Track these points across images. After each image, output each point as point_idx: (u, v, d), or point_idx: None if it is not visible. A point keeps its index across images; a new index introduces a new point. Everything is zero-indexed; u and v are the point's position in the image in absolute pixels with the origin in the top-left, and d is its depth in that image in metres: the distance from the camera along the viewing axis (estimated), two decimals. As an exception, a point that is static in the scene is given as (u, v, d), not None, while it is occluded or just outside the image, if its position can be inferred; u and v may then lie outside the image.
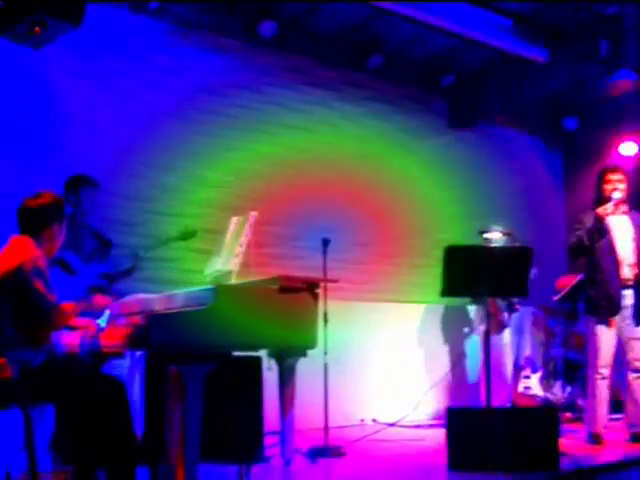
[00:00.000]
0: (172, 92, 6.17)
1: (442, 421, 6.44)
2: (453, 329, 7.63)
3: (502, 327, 6.74)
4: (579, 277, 7.12)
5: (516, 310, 6.92)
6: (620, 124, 8.59)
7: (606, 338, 5.24)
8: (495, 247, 5.60)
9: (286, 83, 6.89)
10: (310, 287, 3.72)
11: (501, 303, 6.72)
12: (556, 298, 7.36)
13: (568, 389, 7.42)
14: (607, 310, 5.22)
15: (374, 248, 7.29)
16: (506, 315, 6.68)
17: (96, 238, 5.12)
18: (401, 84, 7.72)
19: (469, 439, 4.40)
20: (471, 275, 4.74)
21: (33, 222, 3.62)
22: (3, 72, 5.43)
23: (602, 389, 5.30)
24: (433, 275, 7.32)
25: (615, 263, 5.26)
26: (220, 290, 3.29)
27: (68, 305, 3.62)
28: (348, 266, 6.73)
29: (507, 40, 7.06)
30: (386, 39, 7.19)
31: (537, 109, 8.75)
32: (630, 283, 5.28)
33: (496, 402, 6.85)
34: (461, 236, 6.99)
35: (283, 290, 3.54)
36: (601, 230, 5.22)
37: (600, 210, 5.19)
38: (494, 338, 6.69)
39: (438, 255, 7.14)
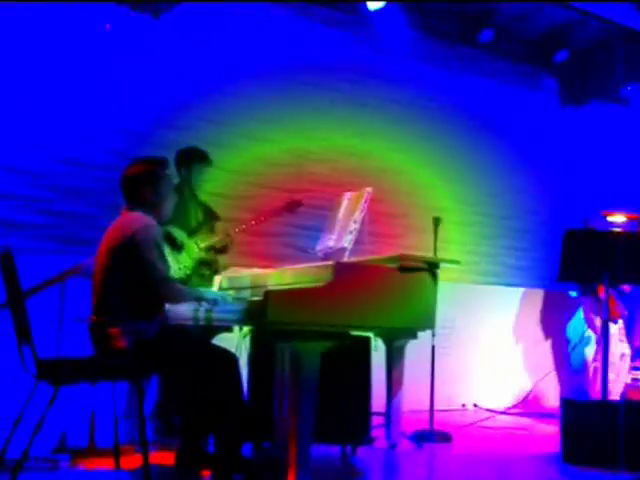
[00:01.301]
0: (281, 67, 6.09)
1: (545, 411, 6.33)
2: (556, 315, 7.33)
3: (618, 316, 6.43)
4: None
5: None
6: None
7: None
8: (618, 232, 5.30)
9: (396, 57, 6.70)
10: (431, 267, 3.57)
11: (613, 291, 6.41)
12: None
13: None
14: None
15: (477, 229, 7.07)
16: (621, 304, 6.36)
17: (203, 212, 5.08)
18: (512, 59, 7.43)
19: (586, 432, 4.19)
20: (591, 260, 4.50)
21: (133, 192, 3.53)
22: (125, 39, 5.45)
23: None
24: (539, 259, 7.17)
25: None
26: (340, 267, 3.18)
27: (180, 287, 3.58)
28: (451, 247, 6.55)
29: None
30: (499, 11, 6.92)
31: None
32: None
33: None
34: (570, 218, 6.69)
35: (404, 270, 3.40)
36: None
37: None
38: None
39: (541, 238, 7.04)
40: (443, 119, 6.92)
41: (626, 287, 6.56)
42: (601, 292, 6.56)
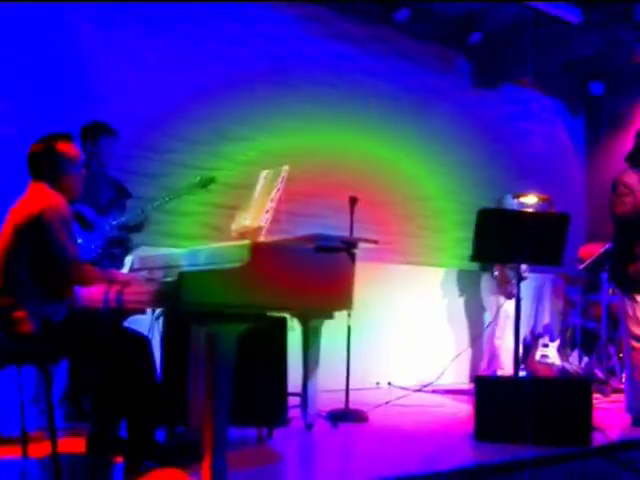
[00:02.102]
0: (199, 42, 5.94)
1: (458, 388, 6.45)
2: (474, 295, 7.46)
3: (509, 297, 6.57)
4: (605, 247, 6.99)
5: (524, 279, 6.72)
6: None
7: None
8: (531, 212, 5.41)
9: (309, 36, 6.63)
10: (348, 247, 3.54)
11: (509, 272, 6.55)
12: (581, 267, 7.22)
13: (585, 359, 7.32)
14: None
15: (395, 209, 7.10)
16: (514, 285, 6.46)
17: (114, 188, 4.92)
18: (426, 41, 7.46)
19: (497, 409, 4.28)
20: (504, 240, 4.58)
21: (43, 167, 3.42)
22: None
23: None
24: (455, 239, 7.27)
25: None
26: (256, 247, 3.11)
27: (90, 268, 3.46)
28: (367, 227, 6.55)
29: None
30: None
31: (563, 72, 8.48)
32: None
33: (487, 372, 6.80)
34: (485, 199, 6.78)
35: (321, 249, 3.36)
36: None
37: None
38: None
39: (460, 219, 7.12)
40: (361, 99, 6.90)
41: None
42: (497, 270, 6.73)
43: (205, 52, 5.99)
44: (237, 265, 3.06)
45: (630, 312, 4.91)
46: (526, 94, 8.42)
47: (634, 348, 4.89)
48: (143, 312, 3.98)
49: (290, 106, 6.37)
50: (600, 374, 6.95)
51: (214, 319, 3.04)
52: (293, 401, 4.53)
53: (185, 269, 3.46)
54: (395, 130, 7.12)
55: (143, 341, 3.40)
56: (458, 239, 7.16)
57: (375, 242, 4.04)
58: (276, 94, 6.31)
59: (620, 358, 7.12)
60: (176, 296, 2.96)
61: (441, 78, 7.67)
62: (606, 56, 7.90)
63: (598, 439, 4.22)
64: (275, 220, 3.87)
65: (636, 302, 4.88)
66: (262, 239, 3.69)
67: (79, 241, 3.97)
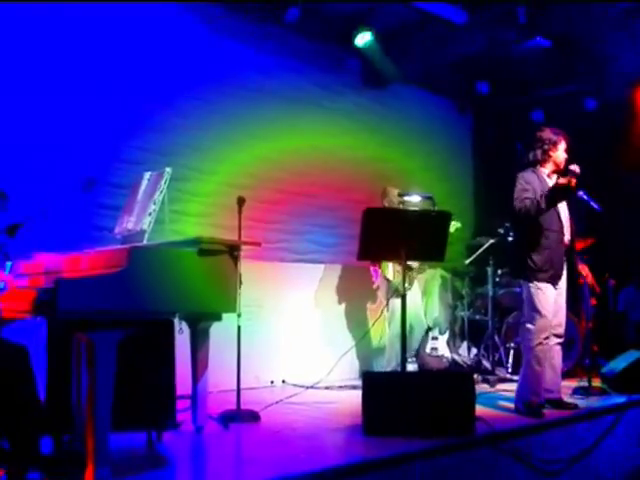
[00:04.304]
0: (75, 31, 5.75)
1: (351, 383, 6.54)
2: (367, 291, 7.54)
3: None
4: (490, 241, 7.26)
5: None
6: (531, 89, 8.71)
7: (553, 299, 5.11)
8: (414, 211, 5.53)
9: (200, 34, 6.56)
10: (231, 250, 3.54)
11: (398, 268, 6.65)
12: (467, 261, 7.46)
13: (474, 350, 7.57)
14: (551, 275, 5.07)
15: (284, 207, 7.12)
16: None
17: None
18: (317, 40, 7.51)
19: (385, 404, 4.36)
20: (389, 239, 4.66)
21: None
22: None
23: (557, 353, 5.24)
24: (345, 236, 7.35)
25: (561, 229, 5.15)
26: (135, 252, 3.07)
27: None
28: (258, 225, 6.57)
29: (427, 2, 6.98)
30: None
31: (451, 71, 8.72)
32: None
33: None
34: (374, 197, 6.89)
35: (203, 253, 3.35)
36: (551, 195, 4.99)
37: (563, 181, 4.97)
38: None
39: (350, 216, 7.19)
40: (249, 98, 6.88)
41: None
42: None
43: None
44: (116, 270, 3.02)
45: (534, 301, 5.07)
46: (415, 93, 8.61)
47: (534, 337, 5.06)
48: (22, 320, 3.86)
49: (178, 103, 6.29)
50: (487, 365, 7.20)
51: (93, 326, 2.99)
52: (185, 404, 4.49)
53: (63, 276, 3.38)
54: (286, 128, 7.13)
55: (21, 352, 3.30)
56: (348, 236, 7.24)
57: (258, 244, 4.04)
58: (164, 91, 6.21)
59: (507, 349, 7.40)
60: (53, 304, 2.89)
61: (333, 77, 7.74)
62: (491, 56, 8.17)
63: (482, 429, 4.36)
64: (160, 220, 3.84)
65: (540, 290, 5.06)
66: (145, 242, 3.65)
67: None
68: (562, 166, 5.19)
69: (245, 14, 6.81)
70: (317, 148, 7.37)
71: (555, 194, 4.98)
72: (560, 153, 5.23)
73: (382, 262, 6.70)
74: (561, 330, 5.24)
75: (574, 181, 4.98)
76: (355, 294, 7.53)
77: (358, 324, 7.43)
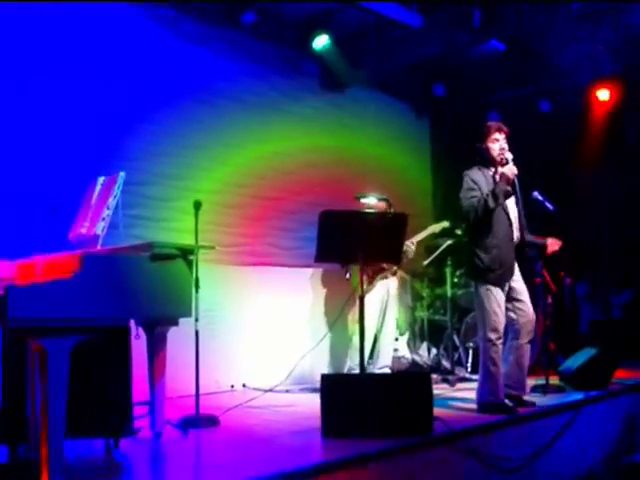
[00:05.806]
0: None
1: (312, 386, 6.53)
2: (327, 293, 7.56)
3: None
4: (448, 242, 7.34)
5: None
6: (487, 92, 8.82)
7: (503, 299, 5.10)
8: (371, 213, 5.57)
9: (157, 37, 6.53)
10: (184, 254, 3.53)
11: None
12: (425, 262, 7.52)
13: (433, 351, 7.62)
14: (501, 275, 5.06)
15: (244, 210, 7.11)
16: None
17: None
18: (275, 43, 7.52)
19: (344, 405, 4.37)
20: (346, 241, 4.69)
21: None
22: None
23: (526, 351, 5.23)
24: (304, 239, 7.35)
25: (510, 227, 5.12)
26: (87, 258, 3.05)
27: None
28: (218, 229, 6.56)
29: (382, 4, 7.02)
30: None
31: (408, 74, 8.79)
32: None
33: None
34: (333, 199, 6.91)
35: (156, 257, 3.33)
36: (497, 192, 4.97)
37: (507, 171, 4.97)
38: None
39: (309, 219, 7.21)
40: (208, 102, 6.87)
41: None
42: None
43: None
44: (68, 277, 2.99)
45: (484, 302, 5.07)
46: (372, 96, 8.65)
47: (487, 338, 5.07)
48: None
49: (136, 107, 6.25)
50: (447, 365, 7.27)
51: (44, 333, 2.96)
52: (142, 410, 4.46)
53: (16, 282, 3.34)
54: (246, 132, 7.13)
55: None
56: (307, 238, 7.25)
57: (211, 247, 4.03)
58: (122, 95, 6.17)
59: (466, 349, 7.47)
60: (4, 312, 2.87)
61: (290, 80, 7.75)
62: (446, 59, 8.26)
63: (440, 428, 4.40)
64: (114, 225, 3.81)
65: (489, 291, 5.06)
66: (99, 247, 3.63)
67: None
68: (499, 158, 5.11)
69: (203, 17, 6.80)
70: (277, 152, 7.38)
71: (499, 190, 4.95)
72: (492, 145, 5.14)
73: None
74: (530, 327, 5.22)
75: (512, 169, 4.96)
76: (316, 296, 7.53)
77: (319, 326, 7.43)
